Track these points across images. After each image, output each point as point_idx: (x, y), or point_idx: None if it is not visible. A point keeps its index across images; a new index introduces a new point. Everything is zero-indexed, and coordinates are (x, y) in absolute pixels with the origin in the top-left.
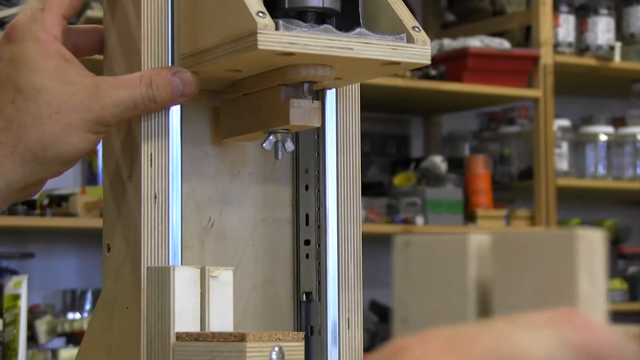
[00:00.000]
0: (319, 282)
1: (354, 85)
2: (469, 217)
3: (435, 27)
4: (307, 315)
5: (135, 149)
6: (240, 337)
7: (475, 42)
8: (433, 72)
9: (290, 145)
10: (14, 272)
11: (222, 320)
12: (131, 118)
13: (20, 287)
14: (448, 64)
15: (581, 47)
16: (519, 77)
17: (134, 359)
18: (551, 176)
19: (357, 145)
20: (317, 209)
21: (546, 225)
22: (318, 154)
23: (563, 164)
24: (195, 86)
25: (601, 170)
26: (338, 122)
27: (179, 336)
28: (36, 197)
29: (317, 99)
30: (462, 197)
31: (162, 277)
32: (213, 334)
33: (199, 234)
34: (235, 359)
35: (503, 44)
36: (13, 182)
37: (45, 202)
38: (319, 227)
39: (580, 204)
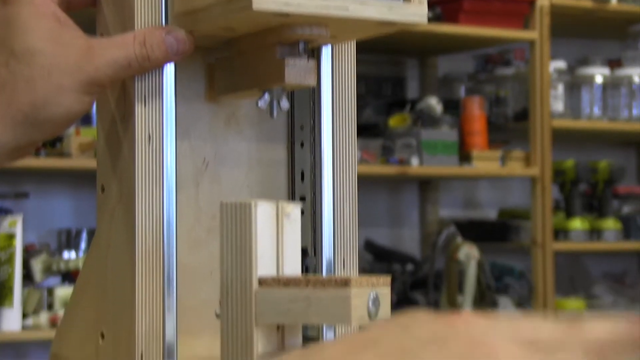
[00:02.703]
0: (314, 221)
1: (349, 41)
2: (464, 158)
3: None
4: (302, 261)
5: (128, 91)
6: (344, 282)
7: None
8: (429, 14)
9: (285, 104)
10: (8, 212)
11: (293, 262)
12: (125, 78)
13: (15, 226)
14: (444, 6)
15: None
16: (515, 19)
17: (129, 301)
18: (546, 117)
19: (353, 100)
20: (312, 137)
21: (541, 166)
22: (314, 111)
23: (558, 106)
24: (189, 45)
25: (597, 111)
26: (334, 79)
27: (263, 281)
28: None
29: (313, 57)
30: (457, 139)
31: (241, 214)
32: (307, 279)
33: (194, 175)
34: (338, 306)
35: None
36: (4, 144)
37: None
38: (313, 160)
39: (575, 145)
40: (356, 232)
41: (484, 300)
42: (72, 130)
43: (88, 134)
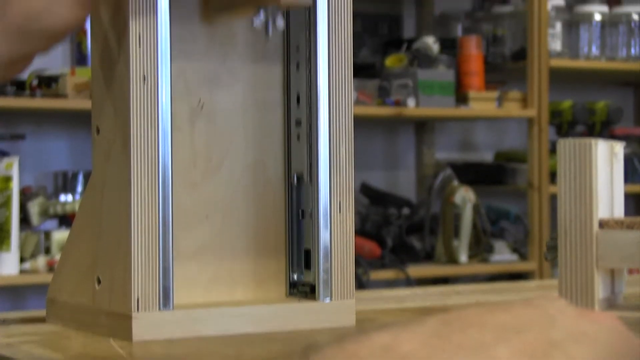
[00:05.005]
0: (310, 164)
1: None
2: (461, 98)
3: None
4: (298, 198)
5: (123, 26)
6: None
7: None
8: None
9: (280, 23)
10: (4, 154)
11: (620, 203)
12: None
13: (11, 168)
14: None
15: None
16: None
17: (124, 240)
18: (544, 57)
19: (349, 22)
20: (308, 87)
21: (538, 107)
22: (309, 31)
23: (556, 45)
24: None
25: (595, 50)
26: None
27: (604, 223)
28: (25, 77)
29: None
30: (454, 79)
31: (580, 152)
32: None
33: (189, 115)
34: None
35: None
36: None
37: (35, 82)
38: (310, 106)
39: (573, 85)
40: (352, 172)
41: (480, 244)
42: (67, 70)
43: (83, 74)
